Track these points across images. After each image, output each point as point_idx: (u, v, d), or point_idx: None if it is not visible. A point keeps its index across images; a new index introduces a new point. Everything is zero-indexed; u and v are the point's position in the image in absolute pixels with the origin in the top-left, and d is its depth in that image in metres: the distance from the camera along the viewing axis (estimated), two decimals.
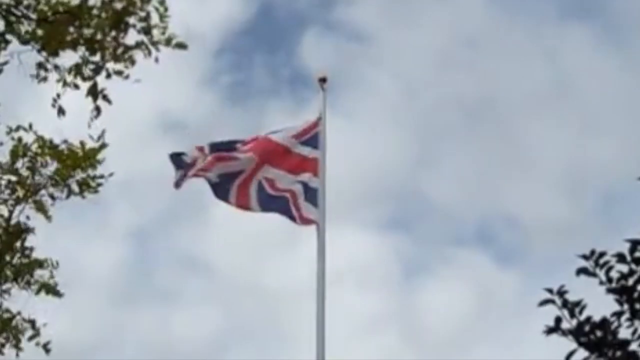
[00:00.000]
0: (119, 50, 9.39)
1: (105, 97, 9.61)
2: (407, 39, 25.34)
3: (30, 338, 11.22)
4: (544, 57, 25.42)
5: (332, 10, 26.20)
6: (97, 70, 9.45)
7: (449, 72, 25.61)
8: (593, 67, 24.81)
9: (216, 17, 23.07)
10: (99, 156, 10.72)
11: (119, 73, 9.42)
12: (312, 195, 10.72)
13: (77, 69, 9.48)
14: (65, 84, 9.52)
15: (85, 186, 10.61)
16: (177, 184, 10.74)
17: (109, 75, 9.53)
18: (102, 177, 10.80)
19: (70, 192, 10.66)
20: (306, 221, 10.72)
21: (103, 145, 10.70)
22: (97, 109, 9.62)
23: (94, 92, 9.51)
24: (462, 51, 25.30)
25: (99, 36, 9.26)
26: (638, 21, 22.79)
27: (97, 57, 9.44)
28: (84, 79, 9.56)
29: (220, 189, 10.93)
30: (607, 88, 24.03)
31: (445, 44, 25.26)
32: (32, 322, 11.28)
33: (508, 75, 25.12)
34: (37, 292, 11.22)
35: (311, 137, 11.07)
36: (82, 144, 10.68)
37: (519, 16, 25.58)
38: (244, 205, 10.93)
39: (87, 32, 9.23)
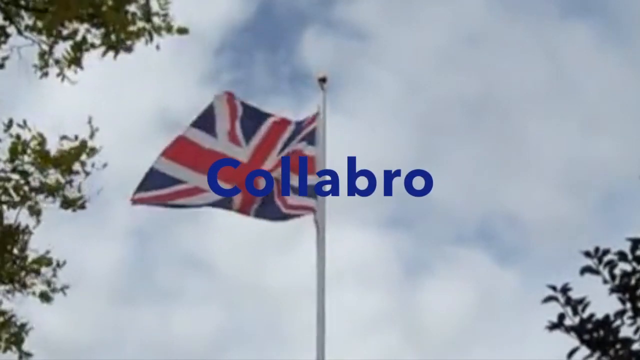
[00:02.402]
0: (122, 35, 9.34)
1: (126, 48, 9.45)
2: (408, 37, 25.30)
3: (13, 343, 10.95)
4: (545, 55, 25.38)
5: (332, 9, 26.14)
6: (106, 35, 9.36)
7: (450, 70, 25.55)
8: (594, 65, 24.78)
9: (216, 15, 23.01)
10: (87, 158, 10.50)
11: (124, 41, 9.32)
12: (307, 190, 10.50)
13: (77, 46, 9.39)
14: (74, 57, 9.42)
15: (72, 202, 10.45)
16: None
17: (118, 39, 9.43)
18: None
19: (65, 204, 10.56)
20: (304, 208, 10.45)
21: (91, 150, 10.48)
22: (128, 49, 9.43)
23: (113, 47, 9.39)
24: (462, 49, 25.26)
25: (103, 9, 9.18)
26: (639, 19, 22.74)
27: (101, 30, 9.37)
28: (94, 46, 9.44)
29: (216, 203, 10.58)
30: (608, 86, 23.99)
31: (446, 41, 25.22)
32: (23, 326, 11.06)
33: (509, 73, 25.06)
34: (40, 297, 11.14)
35: (307, 133, 10.92)
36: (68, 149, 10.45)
37: (520, 14, 25.53)
38: (245, 210, 10.58)
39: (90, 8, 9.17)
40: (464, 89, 24.79)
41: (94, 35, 9.49)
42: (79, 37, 9.49)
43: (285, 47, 26.62)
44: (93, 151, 10.36)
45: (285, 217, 10.50)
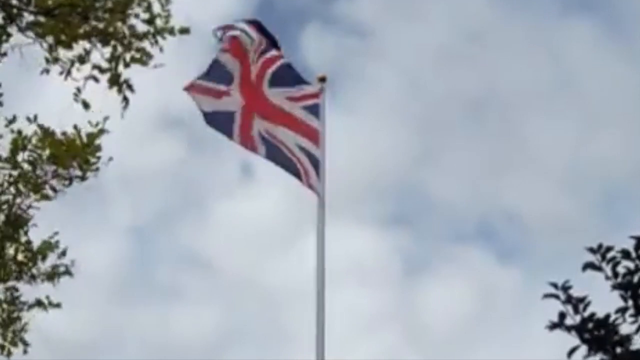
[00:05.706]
0: (127, 40, 9.37)
1: (129, 86, 9.52)
2: (409, 34, 25.25)
3: (32, 306, 11.25)
4: (547, 53, 25.35)
5: (332, 5, 26.10)
6: (115, 59, 9.40)
7: (451, 67, 25.50)
8: (596, 62, 24.75)
9: (217, 12, 22.97)
10: (97, 141, 10.57)
11: (136, 60, 9.38)
12: (315, 163, 10.53)
13: (80, 60, 9.43)
14: (86, 78, 9.47)
15: (85, 165, 10.50)
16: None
17: (127, 65, 9.47)
18: (99, 157, 10.63)
19: (71, 180, 10.61)
20: (310, 186, 10.47)
21: (102, 131, 10.56)
22: (125, 99, 9.55)
23: (117, 82, 9.44)
24: (464, 46, 25.22)
25: (111, 29, 9.23)
26: None
27: (109, 48, 9.40)
28: (102, 71, 9.49)
29: (218, 122, 10.57)
30: (610, 83, 23.95)
31: (447, 39, 25.18)
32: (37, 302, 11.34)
33: (510, 70, 25.04)
34: (50, 280, 11.24)
35: (312, 105, 10.91)
36: (77, 128, 10.53)
37: (521, 11, 25.49)
38: (250, 146, 10.57)
39: (98, 24, 9.21)
40: (464, 86, 24.79)
41: (100, 54, 9.54)
42: (81, 52, 9.57)
43: (285, 44, 26.52)
44: (97, 149, 10.47)
45: (298, 176, 10.51)
